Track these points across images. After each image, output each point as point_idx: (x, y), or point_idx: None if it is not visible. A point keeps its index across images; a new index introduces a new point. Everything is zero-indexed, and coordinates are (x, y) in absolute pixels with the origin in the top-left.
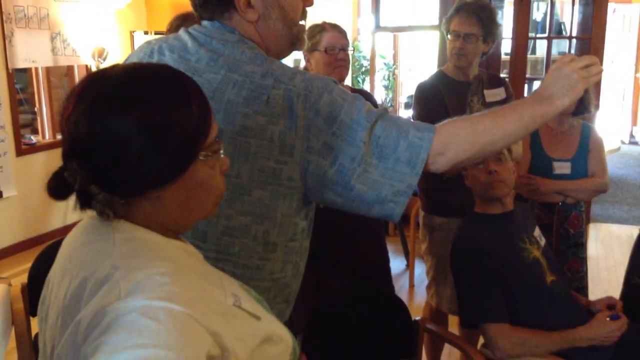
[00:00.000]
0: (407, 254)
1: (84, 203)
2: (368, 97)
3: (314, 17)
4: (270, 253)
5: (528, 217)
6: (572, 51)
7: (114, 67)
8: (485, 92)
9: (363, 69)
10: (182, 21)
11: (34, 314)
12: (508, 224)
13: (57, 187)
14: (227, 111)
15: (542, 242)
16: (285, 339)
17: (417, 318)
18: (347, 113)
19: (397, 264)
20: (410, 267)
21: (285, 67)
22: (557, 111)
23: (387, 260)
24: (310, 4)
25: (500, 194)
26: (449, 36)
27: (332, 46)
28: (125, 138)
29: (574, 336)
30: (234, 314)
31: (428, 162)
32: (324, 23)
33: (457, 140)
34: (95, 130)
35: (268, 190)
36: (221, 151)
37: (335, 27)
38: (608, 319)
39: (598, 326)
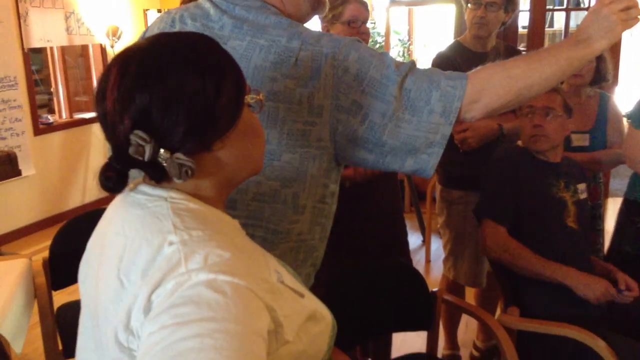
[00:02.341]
0: (423, 230)
1: (156, 173)
2: None
3: None
4: (299, 215)
5: (575, 171)
6: None
7: (145, 40)
8: None
9: (377, 45)
10: None
11: (55, 288)
12: (547, 166)
13: (113, 178)
14: (254, 77)
15: (582, 196)
16: (326, 317)
17: (435, 290)
18: (376, 69)
19: (413, 239)
20: (426, 242)
21: (310, 30)
22: (595, 54)
23: (405, 234)
24: None
25: (540, 148)
26: (469, 5)
27: (355, 19)
28: (190, 91)
29: (563, 271)
30: (280, 291)
31: (462, 111)
32: None
33: (491, 86)
34: (154, 93)
35: (297, 152)
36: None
37: (356, 0)
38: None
39: (594, 278)
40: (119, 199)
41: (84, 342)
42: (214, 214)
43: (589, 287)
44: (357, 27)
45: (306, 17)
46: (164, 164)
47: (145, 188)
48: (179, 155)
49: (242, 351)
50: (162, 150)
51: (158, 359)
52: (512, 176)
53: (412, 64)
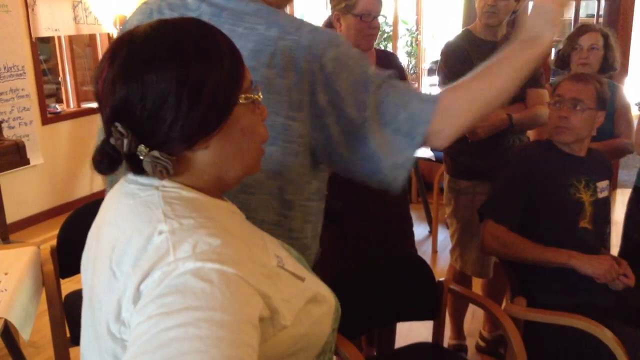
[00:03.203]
0: (430, 221)
1: (135, 167)
2: (394, 59)
3: None
4: (287, 210)
5: (600, 167)
6: (601, 12)
7: (139, 27)
8: None
9: (385, 35)
10: None
11: (63, 276)
12: (569, 161)
13: (104, 161)
14: None
15: (602, 194)
16: (328, 299)
17: (441, 279)
18: (351, 72)
19: (420, 230)
20: (433, 233)
21: (291, 17)
22: (547, 49)
23: (410, 225)
24: None
25: (564, 140)
26: None
27: (368, 12)
28: (172, 87)
29: (566, 253)
30: (279, 276)
31: (429, 138)
32: None
33: (456, 112)
34: (133, 86)
35: (280, 146)
36: (260, 98)
37: None
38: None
39: (598, 256)
40: (115, 188)
41: (85, 331)
42: (209, 201)
43: (593, 264)
44: (369, 22)
45: (284, 2)
46: (142, 159)
47: (138, 177)
48: (155, 152)
49: (228, 339)
50: (141, 146)
51: (144, 349)
52: (526, 175)
53: (390, 75)
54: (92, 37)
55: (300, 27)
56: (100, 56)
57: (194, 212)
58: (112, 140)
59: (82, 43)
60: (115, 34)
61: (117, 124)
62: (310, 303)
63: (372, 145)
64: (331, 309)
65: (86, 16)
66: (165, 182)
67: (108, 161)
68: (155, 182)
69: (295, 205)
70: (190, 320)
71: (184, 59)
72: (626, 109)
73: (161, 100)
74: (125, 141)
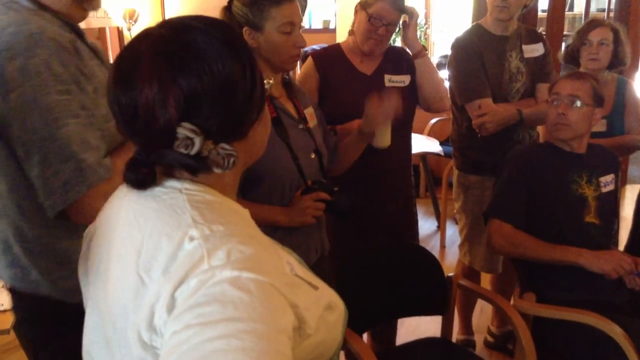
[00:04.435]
0: (438, 216)
1: (196, 166)
2: (404, 53)
3: None
4: None
5: (602, 162)
6: (612, 7)
7: (173, 21)
8: (524, 47)
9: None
10: None
11: None
12: (569, 159)
13: (143, 173)
14: None
15: (606, 188)
16: (339, 305)
17: (450, 274)
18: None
19: (428, 225)
20: (441, 228)
21: (19, 14)
22: None
23: (415, 221)
24: None
25: (562, 137)
26: None
27: (379, 17)
28: (235, 78)
29: (574, 251)
30: (297, 284)
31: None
32: None
33: None
34: (206, 77)
35: None
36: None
37: (393, 1)
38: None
39: (607, 251)
40: (122, 193)
41: (92, 335)
42: (229, 206)
43: (603, 260)
44: (376, 27)
45: (72, 11)
46: (208, 156)
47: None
48: (224, 145)
49: (269, 351)
50: (208, 141)
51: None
52: (526, 175)
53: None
54: (101, 30)
55: (6, 27)
56: (110, 49)
57: (222, 218)
58: (177, 145)
59: (91, 36)
60: (124, 27)
61: (185, 124)
62: (325, 310)
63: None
64: (341, 315)
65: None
66: (188, 185)
67: (147, 172)
68: (177, 184)
69: None
70: (232, 331)
71: (238, 50)
72: (636, 104)
73: (228, 92)
74: (197, 140)
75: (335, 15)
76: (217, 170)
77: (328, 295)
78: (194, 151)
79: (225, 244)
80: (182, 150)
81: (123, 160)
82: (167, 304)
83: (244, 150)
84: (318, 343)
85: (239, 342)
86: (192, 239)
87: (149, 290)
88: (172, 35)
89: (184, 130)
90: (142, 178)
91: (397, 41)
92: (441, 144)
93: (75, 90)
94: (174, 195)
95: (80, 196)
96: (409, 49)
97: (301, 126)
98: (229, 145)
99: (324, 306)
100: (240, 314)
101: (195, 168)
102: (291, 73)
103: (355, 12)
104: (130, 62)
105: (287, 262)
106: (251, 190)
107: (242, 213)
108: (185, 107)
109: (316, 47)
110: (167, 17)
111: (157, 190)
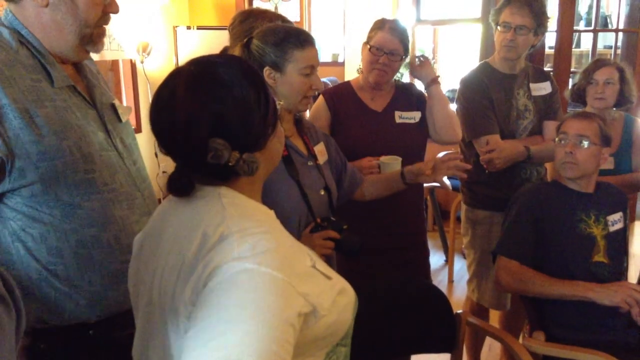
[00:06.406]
0: (446, 250)
1: (224, 174)
2: (412, 88)
3: (354, 9)
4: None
5: (610, 200)
6: (619, 44)
7: (196, 60)
8: (531, 85)
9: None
10: (245, 17)
11: None
12: (577, 198)
13: (186, 183)
14: None
15: (614, 227)
16: (350, 291)
17: (459, 311)
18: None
19: (436, 259)
20: (449, 262)
21: None
22: None
23: (427, 256)
24: (114, 11)
25: (570, 176)
26: (498, 27)
27: (379, 48)
28: (253, 100)
29: (582, 286)
30: (314, 275)
31: None
32: (386, 21)
33: None
34: (229, 100)
35: None
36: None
37: (392, 30)
38: None
39: (613, 286)
40: (167, 203)
41: (146, 325)
42: (257, 207)
43: (612, 291)
44: (378, 56)
45: (73, 51)
46: (234, 165)
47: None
48: (248, 155)
49: (271, 336)
50: (235, 152)
51: (198, 339)
52: (534, 214)
53: None
54: (114, 62)
55: None
56: (122, 81)
57: (252, 216)
58: (210, 157)
59: (104, 68)
60: (138, 60)
61: (216, 139)
62: (338, 294)
63: None
64: (352, 300)
65: (110, 42)
66: (222, 190)
67: (188, 182)
68: (212, 190)
69: None
70: (240, 317)
71: (253, 78)
72: None
73: (249, 111)
74: (226, 152)
75: (344, 48)
76: (243, 176)
77: (340, 283)
78: (223, 161)
79: (252, 239)
80: (214, 161)
81: None
82: (198, 288)
83: (264, 159)
84: (331, 322)
85: (245, 325)
86: (226, 233)
87: (186, 277)
88: (199, 70)
89: (214, 144)
90: (182, 187)
91: (406, 75)
92: (449, 177)
93: None
94: (210, 198)
95: None
96: (421, 79)
97: (311, 163)
98: (251, 155)
99: (337, 291)
100: (250, 302)
101: (225, 175)
102: None
103: (362, 50)
104: (168, 94)
105: (308, 255)
106: None
107: (269, 212)
108: (214, 125)
109: (325, 79)
110: (179, 50)
111: (196, 195)
